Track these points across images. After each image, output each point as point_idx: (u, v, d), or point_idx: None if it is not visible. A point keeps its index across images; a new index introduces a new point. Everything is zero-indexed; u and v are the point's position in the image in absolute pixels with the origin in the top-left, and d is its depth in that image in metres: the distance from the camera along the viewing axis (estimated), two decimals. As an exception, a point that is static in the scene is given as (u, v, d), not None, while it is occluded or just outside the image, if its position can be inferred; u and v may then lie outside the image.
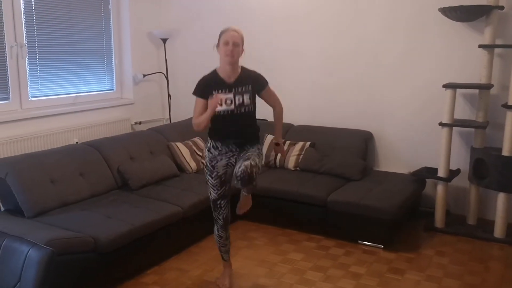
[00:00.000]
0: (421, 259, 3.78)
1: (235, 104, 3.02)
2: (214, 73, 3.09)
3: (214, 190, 3.18)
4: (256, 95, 3.14)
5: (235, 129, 3.08)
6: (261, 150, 3.20)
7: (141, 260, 3.54)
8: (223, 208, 3.23)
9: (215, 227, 3.30)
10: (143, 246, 3.50)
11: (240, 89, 3.03)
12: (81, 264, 3.07)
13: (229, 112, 3.03)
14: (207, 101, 3.04)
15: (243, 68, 3.13)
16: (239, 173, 2.85)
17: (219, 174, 3.14)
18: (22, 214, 3.47)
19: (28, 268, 1.88)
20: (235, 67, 3.05)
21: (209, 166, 3.15)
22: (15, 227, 3.13)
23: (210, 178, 3.17)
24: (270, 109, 5.29)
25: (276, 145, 3.35)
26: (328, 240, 4.12)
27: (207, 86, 3.04)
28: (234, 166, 3.11)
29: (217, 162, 3.13)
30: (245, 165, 2.86)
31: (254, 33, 5.25)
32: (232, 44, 2.96)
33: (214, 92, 3.02)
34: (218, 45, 3.05)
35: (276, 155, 4.80)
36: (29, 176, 3.56)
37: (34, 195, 3.51)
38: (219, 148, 3.11)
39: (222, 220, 3.26)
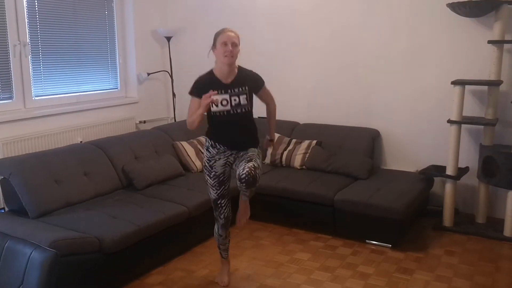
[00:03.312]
0: (430, 259, 3.72)
1: (231, 105, 3.00)
2: (210, 73, 3.07)
3: (214, 190, 3.19)
4: (254, 95, 3.15)
5: (232, 130, 3.08)
6: (259, 153, 3.17)
7: (147, 261, 3.51)
8: (224, 207, 3.22)
9: (216, 226, 3.31)
10: (149, 246, 3.47)
11: (236, 90, 3.01)
12: (86, 265, 3.05)
13: (225, 112, 3.02)
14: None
15: (240, 68, 3.11)
16: (244, 175, 2.85)
17: (217, 173, 3.14)
18: (26, 214, 3.45)
19: (31, 270, 1.85)
20: (232, 67, 3.05)
21: (207, 166, 3.15)
22: (18, 228, 3.11)
23: (208, 178, 3.18)
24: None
25: (270, 141, 3.40)
26: (336, 239, 4.07)
27: (204, 86, 3.01)
28: (232, 165, 3.13)
29: (215, 161, 3.12)
30: (249, 167, 2.88)
31: (260, 30, 5.22)
32: (231, 45, 2.96)
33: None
34: (214, 47, 3.04)
35: (281, 155, 4.76)
36: (33, 176, 3.53)
37: (38, 195, 3.48)
38: (218, 147, 3.10)
39: (223, 219, 3.25)
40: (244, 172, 2.86)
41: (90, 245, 3.06)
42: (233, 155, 3.11)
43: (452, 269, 3.57)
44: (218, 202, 3.20)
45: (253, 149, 3.10)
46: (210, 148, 3.12)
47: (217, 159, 3.11)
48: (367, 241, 4.01)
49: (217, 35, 3.03)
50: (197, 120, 2.99)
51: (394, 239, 3.92)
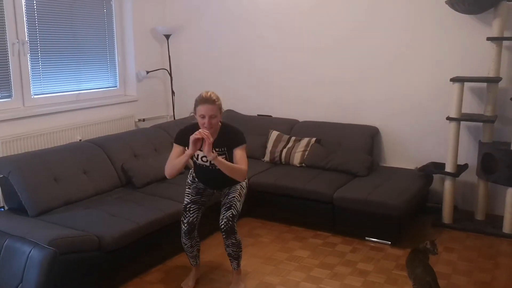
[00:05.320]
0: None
1: (210, 162, 3.03)
2: (196, 126, 3.03)
3: (188, 196, 3.23)
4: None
5: (212, 179, 3.16)
6: (244, 187, 3.21)
7: (146, 258, 3.51)
8: (191, 212, 3.19)
9: (181, 234, 3.24)
10: (148, 244, 3.47)
11: (216, 149, 3.01)
12: (86, 263, 3.05)
13: (204, 166, 3.10)
14: (184, 149, 3.04)
15: (223, 127, 3.09)
16: (222, 225, 3.08)
17: (198, 187, 3.23)
18: (25, 213, 3.45)
19: (30, 268, 1.85)
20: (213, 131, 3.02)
21: (190, 182, 3.26)
22: (18, 227, 3.10)
23: (188, 189, 3.25)
24: (274, 104, 5.25)
25: (211, 151, 2.90)
26: (335, 237, 4.08)
27: (187, 136, 2.97)
28: (214, 189, 3.26)
29: (198, 182, 3.25)
30: (226, 217, 3.07)
31: (258, 28, 5.22)
32: (208, 118, 2.93)
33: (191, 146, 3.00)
34: (194, 113, 3.00)
35: (280, 152, 4.76)
36: (32, 174, 3.53)
37: (38, 194, 3.48)
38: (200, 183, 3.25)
39: (186, 224, 3.18)
40: (222, 223, 3.08)
41: (89, 243, 3.06)
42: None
43: (451, 265, 3.57)
44: (188, 206, 3.19)
45: (237, 187, 3.16)
46: (195, 179, 3.24)
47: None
48: (366, 238, 4.01)
49: (196, 103, 2.97)
50: (182, 161, 2.98)
51: (393, 236, 3.93)
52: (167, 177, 3.10)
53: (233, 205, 3.11)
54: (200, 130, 2.89)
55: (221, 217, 3.11)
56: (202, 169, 3.13)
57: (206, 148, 2.85)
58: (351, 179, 4.35)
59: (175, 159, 3.04)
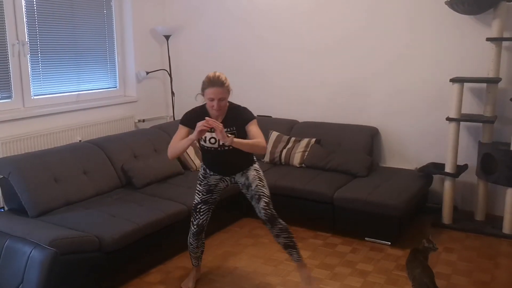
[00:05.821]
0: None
1: (218, 144, 2.99)
2: (203, 109, 3.03)
3: (199, 195, 3.18)
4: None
5: (222, 163, 3.10)
6: (258, 170, 3.18)
7: (146, 259, 3.51)
8: (201, 213, 3.17)
9: (189, 234, 3.24)
10: (148, 245, 3.47)
11: (225, 129, 2.94)
12: (86, 264, 3.05)
13: (213, 148, 3.03)
14: (190, 131, 2.98)
15: (230, 107, 3.04)
16: (263, 216, 3.03)
17: (209, 183, 3.17)
18: (25, 213, 3.45)
19: (31, 269, 1.85)
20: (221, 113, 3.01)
21: (201, 177, 3.20)
22: (18, 227, 3.11)
23: (199, 186, 3.20)
24: (274, 104, 5.23)
25: (227, 136, 2.85)
26: (335, 237, 4.08)
27: (196, 118, 2.92)
28: (227, 182, 3.19)
29: (210, 176, 3.17)
30: (263, 208, 3.02)
31: (258, 29, 5.22)
32: (218, 101, 2.89)
33: None
34: (202, 95, 2.96)
35: (280, 153, 4.76)
36: (32, 175, 3.53)
37: (38, 194, 3.48)
38: (212, 173, 3.16)
39: (196, 226, 3.19)
40: (262, 214, 3.03)
41: (89, 244, 3.06)
42: (227, 178, 3.18)
43: (451, 266, 3.58)
44: (199, 206, 3.17)
45: (253, 174, 3.10)
46: (207, 169, 3.16)
47: (212, 174, 3.16)
48: (366, 238, 4.01)
49: (204, 86, 2.91)
50: (185, 145, 2.95)
51: (393, 236, 3.93)
52: (169, 158, 3.07)
53: (261, 193, 3.06)
54: (207, 119, 2.80)
55: (257, 210, 3.06)
56: (210, 152, 3.06)
57: (220, 135, 2.79)
58: (351, 179, 4.35)
59: (179, 141, 2.99)
